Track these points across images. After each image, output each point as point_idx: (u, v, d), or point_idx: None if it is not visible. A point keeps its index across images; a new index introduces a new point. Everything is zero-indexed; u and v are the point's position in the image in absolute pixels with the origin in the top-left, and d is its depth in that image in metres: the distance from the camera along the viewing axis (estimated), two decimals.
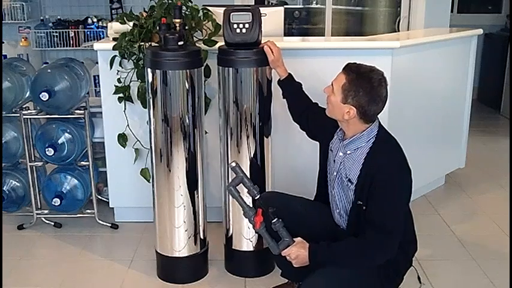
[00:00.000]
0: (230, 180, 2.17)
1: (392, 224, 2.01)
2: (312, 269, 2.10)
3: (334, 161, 2.17)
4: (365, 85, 1.99)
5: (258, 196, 2.16)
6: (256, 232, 2.16)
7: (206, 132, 2.71)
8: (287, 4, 6.15)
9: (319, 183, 2.37)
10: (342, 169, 2.12)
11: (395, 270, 2.15)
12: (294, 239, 2.08)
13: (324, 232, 2.16)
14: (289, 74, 2.45)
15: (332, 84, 2.07)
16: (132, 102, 2.93)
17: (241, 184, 2.18)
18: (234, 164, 2.17)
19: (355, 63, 2.06)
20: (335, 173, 2.16)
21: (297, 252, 2.04)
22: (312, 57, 2.91)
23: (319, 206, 2.32)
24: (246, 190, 2.19)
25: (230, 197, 2.57)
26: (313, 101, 2.45)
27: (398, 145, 2.09)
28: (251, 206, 2.18)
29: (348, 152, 2.10)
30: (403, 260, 2.18)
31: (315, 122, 2.37)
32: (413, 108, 3.30)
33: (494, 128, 5.44)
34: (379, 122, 2.11)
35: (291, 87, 2.46)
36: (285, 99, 2.49)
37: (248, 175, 2.49)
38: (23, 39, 4.87)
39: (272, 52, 2.41)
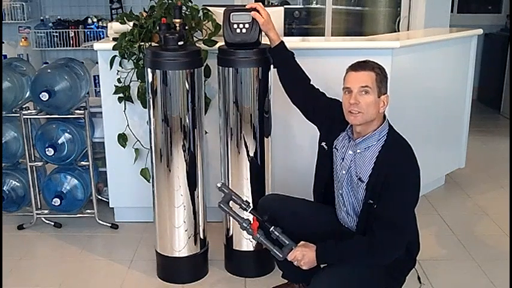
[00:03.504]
0: (220, 198, 2.20)
1: (403, 221, 2.03)
2: (316, 271, 2.10)
3: (343, 159, 2.16)
4: (385, 71, 2.08)
5: (250, 209, 2.17)
6: (256, 241, 2.14)
7: (206, 132, 2.71)
8: (288, 4, 6.15)
9: (317, 184, 2.36)
10: (352, 168, 2.12)
11: (400, 269, 2.17)
12: (298, 244, 2.07)
13: (327, 232, 2.16)
14: (282, 41, 2.41)
15: (357, 93, 2.02)
16: (132, 102, 2.93)
17: (231, 201, 2.20)
18: (219, 185, 2.22)
19: (361, 60, 2.09)
20: (344, 172, 2.16)
21: (302, 252, 2.04)
22: (312, 57, 2.91)
23: (321, 206, 2.32)
24: (238, 206, 2.20)
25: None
26: (308, 77, 2.40)
27: (408, 144, 2.10)
28: (244, 218, 2.15)
29: (358, 151, 2.10)
30: (408, 260, 2.19)
31: (312, 102, 2.35)
32: (413, 108, 3.30)
33: (494, 128, 5.44)
34: (389, 122, 2.13)
35: (282, 55, 2.41)
36: (275, 69, 2.45)
37: (248, 177, 2.51)
38: (23, 39, 4.87)
39: (261, 15, 2.36)
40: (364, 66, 2.06)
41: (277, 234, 2.08)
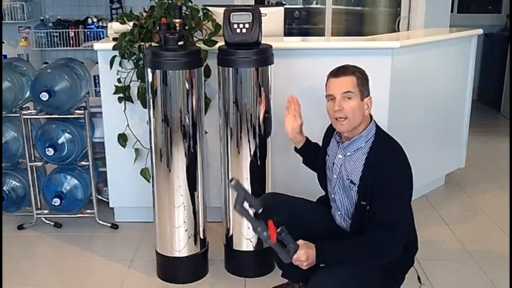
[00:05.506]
0: (234, 199, 2.08)
1: (397, 220, 2.03)
2: (316, 270, 2.10)
3: (334, 163, 2.18)
4: (366, 73, 2.10)
5: (261, 210, 2.02)
6: (268, 246, 2.07)
7: (206, 132, 2.71)
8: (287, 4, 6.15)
9: (323, 193, 2.37)
10: (343, 171, 2.12)
11: (398, 269, 2.17)
12: (297, 242, 2.04)
13: (325, 232, 2.16)
14: (306, 139, 2.43)
15: (340, 99, 2.04)
16: (132, 102, 2.93)
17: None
18: (233, 183, 1.98)
19: (341, 66, 2.11)
20: (335, 176, 2.17)
21: (306, 253, 2.01)
22: (312, 57, 2.91)
23: (320, 206, 2.33)
24: (248, 205, 2.03)
25: (230, 196, 2.58)
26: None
27: (397, 143, 2.11)
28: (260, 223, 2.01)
29: (348, 154, 2.11)
30: (406, 259, 2.19)
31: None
32: (413, 108, 3.30)
33: (494, 128, 5.44)
34: (376, 122, 2.13)
35: (310, 153, 2.43)
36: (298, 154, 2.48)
37: (248, 177, 2.50)
38: (23, 39, 4.87)
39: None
40: (344, 71, 2.07)
41: (285, 236, 1.98)
